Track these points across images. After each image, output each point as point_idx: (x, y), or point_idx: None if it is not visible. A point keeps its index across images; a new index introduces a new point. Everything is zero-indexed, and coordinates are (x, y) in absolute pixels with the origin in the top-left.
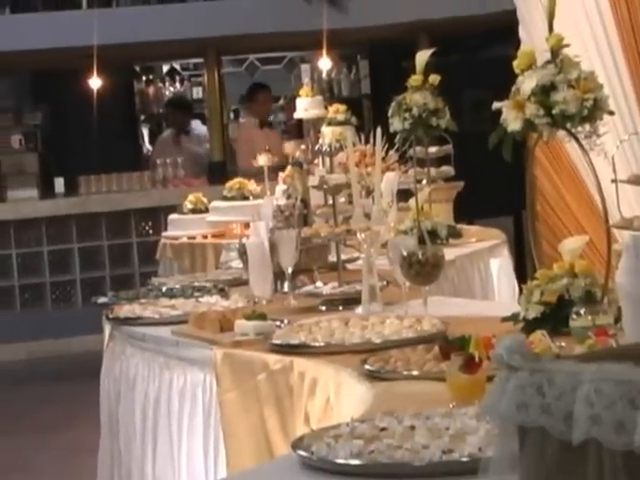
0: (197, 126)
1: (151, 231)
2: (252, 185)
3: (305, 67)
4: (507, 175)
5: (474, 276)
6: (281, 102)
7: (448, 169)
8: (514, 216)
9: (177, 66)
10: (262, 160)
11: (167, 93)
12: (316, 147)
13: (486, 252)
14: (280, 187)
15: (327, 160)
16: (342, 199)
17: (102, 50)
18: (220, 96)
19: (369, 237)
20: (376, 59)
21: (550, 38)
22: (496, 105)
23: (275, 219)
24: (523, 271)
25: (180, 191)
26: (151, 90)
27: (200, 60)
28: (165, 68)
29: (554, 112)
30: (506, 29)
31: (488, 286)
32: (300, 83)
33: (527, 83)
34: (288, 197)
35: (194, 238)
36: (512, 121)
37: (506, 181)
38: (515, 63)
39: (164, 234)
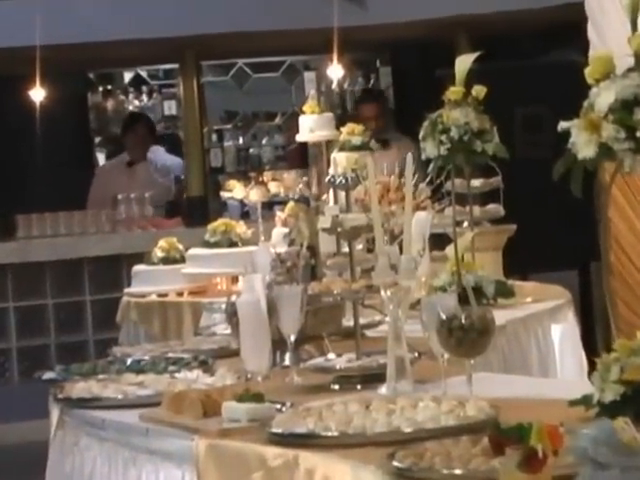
0: (159, 155)
1: (110, 286)
2: (241, 227)
3: (310, 75)
4: (572, 216)
5: (530, 346)
6: (277, 120)
7: (496, 208)
8: (580, 269)
9: (143, 73)
10: (253, 196)
11: (131, 108)
12: (326, 179)
13: (545, 315)
14: (278, 230)
15: (341, 195)
16: (359, 246)
17: (47, 52)
18: (200, 112)
19: (396, 295)
20: (402, 66)
21: (633, 39)
22: (563, 125)
23: (274, 271)
24: (592, 340)
25: (148, 235)
26: (110, 104)
27: (174, 66)
28: (128, 76)
29: (639, 134)
30: (570, 28)
31: (549, 359)
32: (304, 96)
33: (604, 97)
34: (291, 243)
35: (166, 295)
36: (584, 146)
37: (570, 224)
38: (587, 71)
39: (127, 290)
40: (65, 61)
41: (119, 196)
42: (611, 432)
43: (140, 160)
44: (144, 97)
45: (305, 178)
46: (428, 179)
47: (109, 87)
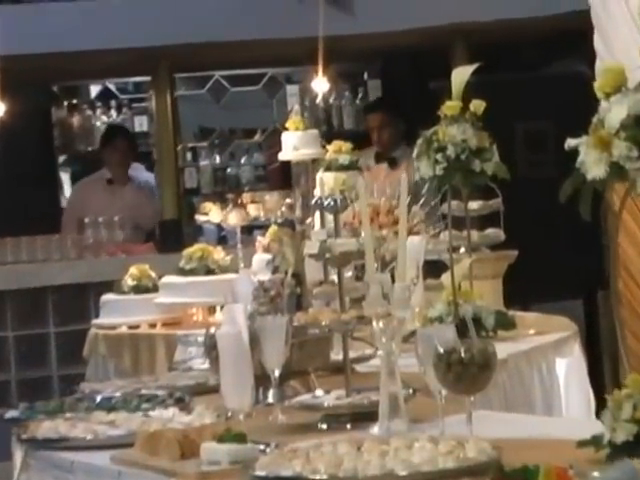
0: (139, 172)
1: (76, 317)
2: (219, 253)
3: (292, 89)
4: (577, 241)
5: (533, 382)
6: (257, 138)
7: (496, 232)
8: (585, 298)
9: (112, 86)
10: (232, 220)
11: (98, 124)
12: (312, 201)
13: (550, 349)
14: (259, 256)
15: (328, 218)
16: (347, 274)
17: (7, 62)
18: (173, 129)
19: (389, 326)
20: (392, 78)
21: None
22: (571, 143)
23: (256, 301)
24: (599, 375)
25: (118, 261)
26: (76, 120)
27: (145, 78)
28: (95, 89)
29: None
30: (575, 37)
31: (553, 396)
32: (286, 111)
33: (615, 112)
34: (274, 270)
35: (138, 327)
36: (593, 165)
37: (575, 249)
38: (597, 84)
39: (95, 322)
40: (27, 73)
41: (86, 219)
42: (634, 474)
43: (121, 178)
44: (113, 112)
45: (288, 200)
46: (422, 201)
47: (75, 101)
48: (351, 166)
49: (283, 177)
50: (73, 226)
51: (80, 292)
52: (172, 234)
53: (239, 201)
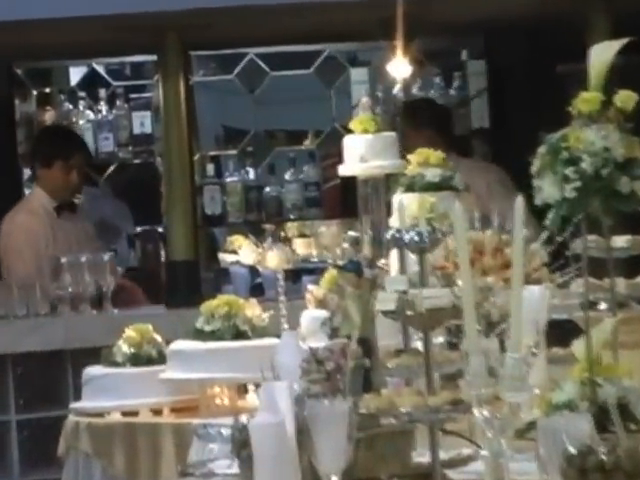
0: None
1: (47, 399)
2: (253, 309)
3: (359, 73)
4: None
5: None
6: (308, 143)
7: None
8: None
9: (101, 70)
10: (271, 261)
11: (82, 122)
12: (388, 235)
13: None
14: (310, 313)
15: (410, 260)
16: (438, 339)
17: None
18: (189, 130)
19: (499, 416)
20: (502, 58)
21: None
22: None
23: (306, 377)
24: None
25: (108, 320)
26: (49, 116)
27: (149, 58)
28: (77, 74)
29: None
30: None
31: None
32: (350, 105)
33: None
34: (333, 334)
35: (136, 414)
36: None
37: None
38: None
39: (74, 405)
40: None
41: (62, 259)
42: None
43: (69, 204)
44: (102, 105)
45: (352, 233)
46: (545, 236)
47: (47, 90)
48: (443, 184)
49: (345, 200)
50: (41, 268)
51: (54, 363)
52: (185, 281)
53: (282, 234)
